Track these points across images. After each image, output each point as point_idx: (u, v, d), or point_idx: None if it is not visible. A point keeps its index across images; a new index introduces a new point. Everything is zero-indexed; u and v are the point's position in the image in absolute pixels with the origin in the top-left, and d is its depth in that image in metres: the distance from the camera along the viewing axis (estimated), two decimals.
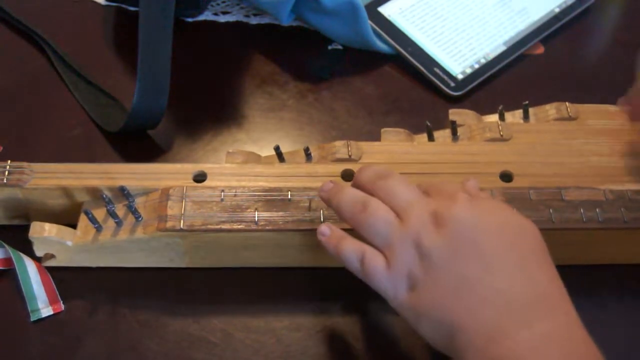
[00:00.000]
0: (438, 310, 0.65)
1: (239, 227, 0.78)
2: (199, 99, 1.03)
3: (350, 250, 0.71)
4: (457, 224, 0.67)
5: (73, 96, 1.02)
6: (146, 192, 0.81)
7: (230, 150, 0.87)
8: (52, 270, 0.82)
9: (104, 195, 0.79)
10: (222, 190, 0.80)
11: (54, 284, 0.81)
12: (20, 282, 0.80)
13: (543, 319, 0.63)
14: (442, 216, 0.67)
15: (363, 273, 0.70)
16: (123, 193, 0.80)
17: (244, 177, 0.82)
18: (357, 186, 0.75)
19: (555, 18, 1.12)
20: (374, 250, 0.70)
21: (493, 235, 0.67)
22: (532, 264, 0.67)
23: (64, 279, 0.82)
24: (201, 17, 1.14)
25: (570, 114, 0.90)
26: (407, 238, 0.68)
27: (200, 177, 0.82)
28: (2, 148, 0.94)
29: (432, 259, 0.66)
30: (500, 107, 0.91)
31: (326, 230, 0.74)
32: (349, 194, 0.74)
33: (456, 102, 1.02)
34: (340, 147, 0.85)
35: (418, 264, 0.67)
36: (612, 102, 0.92)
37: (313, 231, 0.77)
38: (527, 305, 0.63)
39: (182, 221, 0.77)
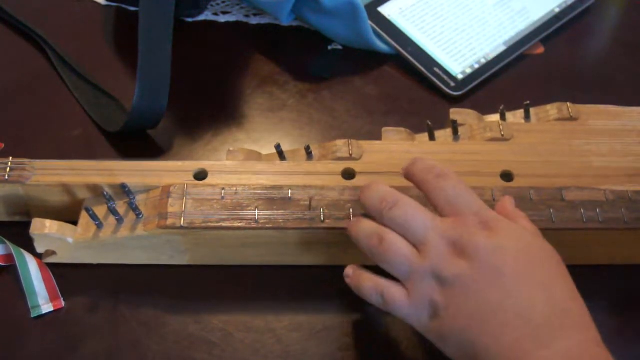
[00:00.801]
0: (461, 335, 0.66)
1: (240, 225, 0.78)
2: (199, 99, 1.03)
3: (369, 287, 0.72)
4: (477, 253, 0.67)
5: (73, 96, 1.02)
6: (147, 189, 0.81)
7: (231, 149, 0.87)
8: (52, 266, 0.82)
9: (105, 193, 0.79)
10: (223, 188, 0.80)
11: (54, 280, 0.81)
12: (21, 278, 0.80)
13: (562, 338, 0.64)
14: (461, 246, 0.68)
15: (385, 307, 0.71)
16: (124, 190, 0.80)
17: (245, 175, 0.82)
18: (367, 211, 0.75)
19: (555, 18, 1.12)
20: (392, 284, 0.71)
21: (513, 259, 0.67)
22: (552, 283, 0.67)
23: (65, 276, 0.82)
24: (201, 17, 1.14)
25: (571, 114, 0.90)
26: (426, 270, 0.68)
27: (201, 175, 0.82)
28: (3, 145, 0.94)
29: (454, 288, 0.67)
30: (501, 107, 0.91)
31: (349, 271, 0.75)
32: (365, 228, 0.73)
33: (456, 102, 1.02)
34: (341, 146, 0.85)
35: (439, 292, 0.67)
36: (612, 102, 0.92)
37: (313, 229, 0.78)
38: (546, 325, 0.64)
39: (182, 219, 0.77)
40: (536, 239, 0.71)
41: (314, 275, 0.83)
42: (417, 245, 0.70)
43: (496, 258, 0.67)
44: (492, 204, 0.79)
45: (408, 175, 0.76)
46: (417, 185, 0.75)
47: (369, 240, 0.72)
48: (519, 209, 0.75)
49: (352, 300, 0.79)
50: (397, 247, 0.70)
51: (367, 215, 0.74)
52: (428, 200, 0.73)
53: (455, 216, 0.70)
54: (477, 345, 0.65)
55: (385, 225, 0.72)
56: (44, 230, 0.78)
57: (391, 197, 0.73)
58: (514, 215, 0.74)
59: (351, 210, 0.78)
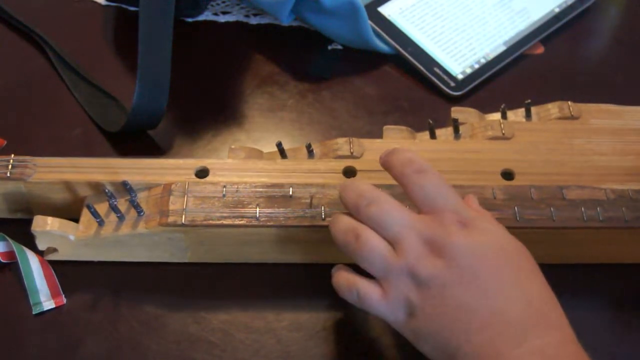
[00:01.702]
0: (437, 335, 0.66)
1: (241, 222, 0.78)
2: (199, 99, 1.03)
3: (345, 285, 0.72)
4: (454, 253, 0.67)
5: (73, 96, 1.02)
6: (148, 187, 0.82)
7: (233, 146, 0.87)
8: (54, 263, 0.82)
9: (107, 190, 0.79)
10: (224, 186, 0.80)
11: (56, 277, 0.81)
12: (23, 275, 0.80)
13: (537, 337, 0.64)
14: (438, 245, 0.67)
15: (360, 305, 0.71)
16: (125, 188, 0.80)
17: (246, 173, 0.82)
18: (346, 208, 0.74)
19: (555, 18, 1.13)
20: (367, 283, 0.71)
21: (489, 259, 0.67)
22: (527, 282, 0.67)
23: (66, 273, 0.82)
24: (201, 17, 1.14)
25: (572, 113, 0.90)
26: (402, 268, 0.68)
27: (202, 173, 0.82)
28: (5, 142, 0.94)
29: (429, 288, 0.66)
30: (502, 106, 0.91)
31: (333, 269, 0.76)
32: (342, 224, 0.73)
33: (456, 102, 1.02)
34: (342, 144, 0.85)
35: (415, 292, 0.67)
36: (612, 102, 0.92)
37: (314, 227, 0.78)
38: (522, 324, 0.64)
39: (183, 216, 0.77)
40: (510, 237, 0.70)
41: (314, 274, 0.83)
42: (393, 242, 0.69)
43: (473, 258, 0.67)
44: (493, 202, 0.79)
45: (385, 165, 0.75)
46: (394, 177, 0.74)
47: (345, 236, 0.72)
48: (520, 207, 0.76)
49: None
50: (372, 244, 0.69)
51: (347, 213, 0.74)
52: (406, 194, 0.72)
53: (433, 213, 0.70)
54: (452, 344, 0.65)
55: (363, 223, 0.71)
56: (46, 227, 0.78)
57: (369, 193, 0.72)
58: (480, 214, 0.74)
59: None
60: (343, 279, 0.73)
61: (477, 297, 0.65)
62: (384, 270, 0.69)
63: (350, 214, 0.74)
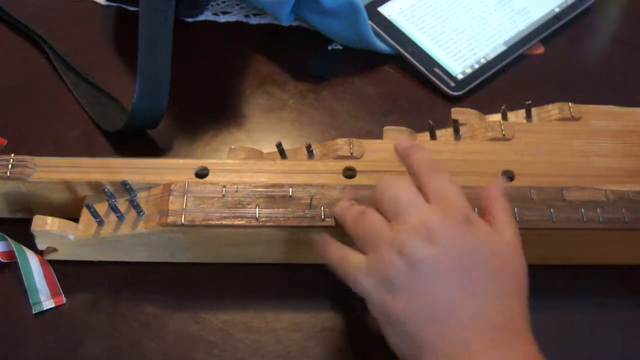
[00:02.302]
0: (411, 324, 0.65)
1: (240, 223, 0.78)
2: (199, 99, 1.03)
3: (326, 242, 0.74)
4: (452, 245, 0.67)
5: (73, 96, 1.02)
6: (148, 187, 0.82)
7: (233, 146, 0.87)
8: (54, 263, 0.82)
9: (106, 190, 0.79)
10: (224, 186, 0.80)
11: (55, 277, 0.82)
12: (22, 275, 0.81)
13: (511, 347, 0.64)
14: (437, 233, 0.67)
15: (339, 269, 0.72)
16: (125, 188, 0.81)
17: (246, 173, 0.82)
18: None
19: (555, 18, 1.13)
20: (352, 249, 0.71)
21: (483, 262, 0.67)
22: (512, 295, 0.67)
23: (66, 273, 0.82)
24: (201, 17, 1.14)
25: (573, 115, 0.90)
26: (393, 241, 0.68)
27: (202, 173, 0.82)
28: (6, 141, 0.94)
29: (419, 271, 0.66)
30: (503, 107, 0.91)
31: (316, 236, 0.76)
32: (353, 209, 0.74)
33: (456, 102, 1.02)
34: (342, 145, 0.85)
35: (403, 270, 0.66)
36: (612, 102, 0.92)
37: (313, 228, 0.78)
38: (497, 331, 0.64)
39: (183, 216, 0.78)
40: (510, 249, 0.70)
41: (314, 274, 0.83)
42: (394, 216, 0.69)
43: (469, 257, 0.67)
44: None
45: (403, 156, 0.76)
46: (410, 169, 0.74)
47: (350, 212, 0.73)
48: (520, 208, 0.76)
49: (352, 300, 0.80)
50: (373, 217, 0.70)
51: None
52: (418, 186, 0.72)
53: (438, 204, 0.70)
54: (424, 338, 0.64)
55: (375, 197, 0.72)
56: (45, 227, 0.78)
57: (392, 178, 0.73)
58: (497, 207, 0.73)
59: None
60: (328, 241, 0.74)
61: (462, 296, 0.65)
62: (375, 240, 0.69)
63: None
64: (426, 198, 0.71)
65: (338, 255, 0.72)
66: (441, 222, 0.68)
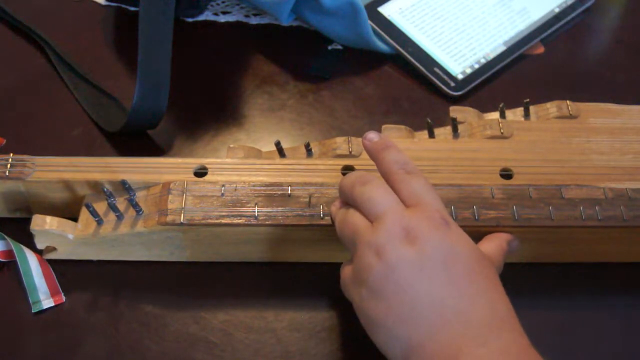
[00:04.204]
0: (396, 325, 0.65)
1: (239, 221, 0.78)
2: (199, 99, 1.03)
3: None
4: (431, 246, 0.66)
5: (73, 96, 1.02)
6: (147, 186, 0.82)
7: (232, 145, 0.87)
8: (53, 263, 0.82)
9: (105, 189, 0.79)
10: (223, 185, 0.80)
11: (55, 276, 0.82)
12: (22, 274, 0.80)
13: (499, 339, 0.64)
14: (415, 233, 0.67)
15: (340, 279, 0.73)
16: (124, 187, 0.81)
17: (245, 171, 0.82)
18: (341, 194, 0.75)
19: (555, 18, 1.13)
20: (348, 260, 0.72)
21: (462, 261, 0.67)
22: (492, 292, 0.67)
23: (65, 272, 0.82)
24: (201, 17, 1.14)
25: (571, 112, 0.90)
26: (371, 243, 0.68)
27: (201, 172, 0.82)
28: (5, 141, 0.94)
29: (398, 272, 0.66)
30: (501, 105, 0.91)
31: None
32: (342, 210, 0.74)
33: (456, 102, 1.02)
34: (341, 143, 0.86)
35: (382, 274, 0.66)
36: (612, 102, 0.92)
37: (313, 226, 0.78)
38: (485, 326, 0.64)
39: (182, 215, 0.78)
40: (477, 247, 0.71)
41: (314, 273, 0.83)
42: (373, 220, 0.69)
43: (447, 256, 0.66)
44: (491, 201, 0.79)
45: (372, 154, 0.76)
46: (381, 169, 0.75)
47: (338, 215, 0.74)
48: (518, 206, 0.76)
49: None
50: (353, 219, 0.71)
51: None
52: (392, 188, 0.72)
53: (418, 206, 0.70)
54: (412, 340, 0.64)
55: (355, 202, 0.72)
56: (44, 226, 0.78)
57: (367, 176, 0.73)
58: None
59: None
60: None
61: (445, 294, 0.65)
62: (355, 243, 0.69)
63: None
64: (402, 200, 0.71)
65: (343, 266, 0.73)
66: (419, 224, 0.68)
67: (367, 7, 1.08)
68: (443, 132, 0.89)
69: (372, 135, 0.77)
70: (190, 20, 1.14)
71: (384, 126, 0.89)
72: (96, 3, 1.15)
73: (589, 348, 0.79)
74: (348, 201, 0.73)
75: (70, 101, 1.01)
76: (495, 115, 0.92)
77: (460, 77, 1.04)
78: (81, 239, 0.80)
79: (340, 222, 0.73)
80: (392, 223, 0.68)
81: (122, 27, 1.13)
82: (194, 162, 0.83)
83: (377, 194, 0.70)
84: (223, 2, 1.16)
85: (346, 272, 0.71)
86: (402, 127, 0.89)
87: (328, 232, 0.78)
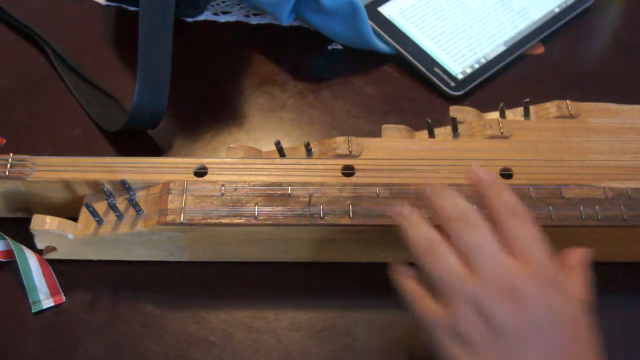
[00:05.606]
0: None
1: (239, 221, 0.78)
2: (199, 99, 1.03)
3: (407, 290, 0.69)
4: (537, 310, 0.63)
5: (73, 96, 1.02)
6: (147, 185, 0.82)
7: (232, 145, 0.87)
8: (53, 262, 0.83)
9: (105, 189, 0.79)
10: (223, 185, 0.80)
11: (54, 276, 0.82)
12: (22, 274, 0.81)
13: None
14: (524, 293, 0.64)
15: (414, 310, 0.68)
16: (124, 187, 0.81)
17: (245, 171, 0.82)
18: (437, 212, 0.71)
19: (555, 18, 1.12)
20: (429, 299, 0.68)
21: (564, 326, 0.64)
22: (588, 355, 0.64)
23: (65, 272, 0.83)
24: (201, 17, 1.14)
25: (571, 112, 0.90)
26: (471, 297, 0.64)
27: (201, 172, 0.82)
28: (4, 140, 0.94)
29: (500, 334, 0.63)
30: (501, 105, 0.91)
31: (397, 267, 0.71)
32: (420, 229, 0.70)
33: (456, 102, 1.02)
34: (340, 143, 0.85)
35: (481, 331, 0.63)
36: (612, 102, 0.92)
37: (312, 226, 0.78)
38: None
39: (182, 215, 0.78)
40: (583, 308, 0.66)
41: (314, 273, 0.83)
42: (473, 264, 0.66)
43: (553, 320, 0.63)
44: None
45: (480, 191, 0.72)
46: (486, 206, 0.70)
47: (417, 241, 0.68)
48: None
49: (352, 300, 0.80)
50: (444, 258, 0.66)
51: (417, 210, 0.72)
52: (491, 223, 0.69)
53: (521, 259, 0.66)
54: None
55: (447, 234, 0.68)
56: (44, 226, 0.78)
57: (470, 213, 0.69)
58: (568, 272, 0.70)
59: (350, 207, 0.78)
60: (407, 278, 0.70)
61: None
62: (450, 291, 0.65)
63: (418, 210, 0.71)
64: (506, 245, 0.67)
65: (415, 295, 0.68)
66: (526, 280, 0.64)
67: (367, 7, 1.08)
68: (443, 132, 0.89)
69: (481, 172, 0.72)
70: (190, 20, 1.13)
71: (383, 126, 0.89)
72: (96, 3, 1.15)
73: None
74: (442, 227, 0.69)
75: (70, 101, 1.01)
76: (495, 115, 0.92)
77: (460, 77, 1.04)
78: (81, 239, 0.80)
79: (424, 250, 0.67)
80: (495, 276, 0.65)
81: (122, 27, 1.13)
82: (194, 162, 0.83)
83: (477, 235, 0.67)
84: (223, 2, 1.16)
85: (431, 312, 0.66)
86: (402, 127, 0.89)
87: (328, 232, 0.78)
